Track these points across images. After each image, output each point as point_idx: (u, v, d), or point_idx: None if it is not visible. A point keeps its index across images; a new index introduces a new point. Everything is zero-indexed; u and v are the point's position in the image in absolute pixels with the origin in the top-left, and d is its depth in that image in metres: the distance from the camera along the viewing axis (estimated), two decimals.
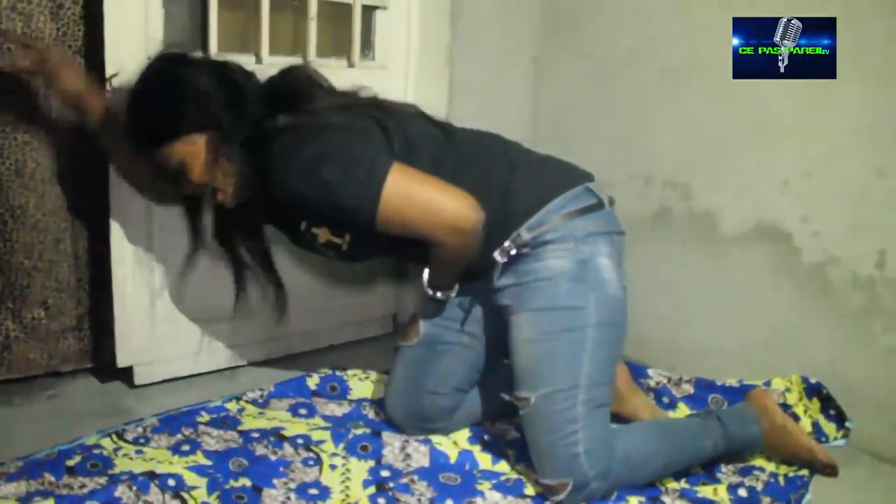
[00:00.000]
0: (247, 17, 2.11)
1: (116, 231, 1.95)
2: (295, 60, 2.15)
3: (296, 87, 1.63)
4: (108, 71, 1.83)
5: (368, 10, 2.35)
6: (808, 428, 1.91)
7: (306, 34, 2.18)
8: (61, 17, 1.87)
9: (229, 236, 1.80)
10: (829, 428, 1.93)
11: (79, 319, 2.07)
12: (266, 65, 2.10)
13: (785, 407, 1.92)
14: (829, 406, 1.94)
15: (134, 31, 1.88)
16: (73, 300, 2.05)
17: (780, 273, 2.06)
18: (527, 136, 2.59)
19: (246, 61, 2.07)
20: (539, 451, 1.60)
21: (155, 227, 2.01)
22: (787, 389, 1.96)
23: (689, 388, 2.05)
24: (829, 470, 1.74)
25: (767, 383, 1.99)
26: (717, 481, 1.73)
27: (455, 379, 1.82)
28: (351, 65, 2.31)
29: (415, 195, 1.50)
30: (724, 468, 1.77)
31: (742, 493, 1.67)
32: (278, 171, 1.51)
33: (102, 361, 2.10)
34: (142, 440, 1.73)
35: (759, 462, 1.80)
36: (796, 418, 1.91)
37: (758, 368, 2.08)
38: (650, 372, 2.11)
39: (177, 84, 1.55)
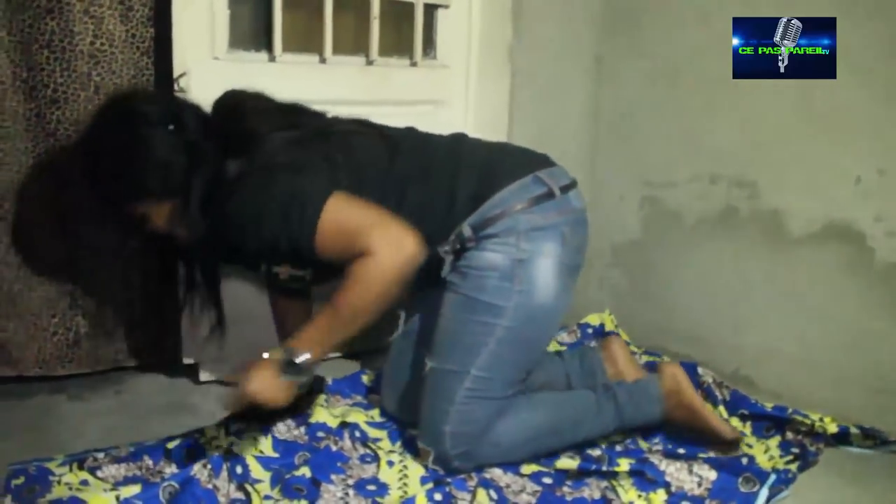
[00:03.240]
0: (310, 17, 2.14)
1: None
2: (357, 60, 2.19)
3: (244, 128, 1.59)
4: (176, 71, 1.87)
5: (430, 9, 2.36)
6: (834, 430, 1.83)
7: (369, 33, 2.20)
8: (131, 20, 1.91)
9: (189, 262, 1.77)
10: (856, 435, 1.84)
11: (145, 316, 2.11)
12: (329, 64, 2.13)
13: (811, 434, 1.85)
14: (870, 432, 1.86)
15: (201, 32, 1.92)
16: (140, 297, 2.09)
17: (851, 274, 2.00)
18: (588, 135, 2.57)
19: (309, 60, 2.11)
20: (420, 415, 1.69)
21: None
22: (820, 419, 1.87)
23: (726, 395, 2.02)
24: (733, 445, 1.78)
25: (803, 414, 1.90)
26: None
27: None
28: (413, 63, 2.32)
29: (348, 228, 1.49)
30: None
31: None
32: (229, 227, 1.54)
33: (168, 358, 2.14)
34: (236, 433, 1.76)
35: (753, 451, 1.80)
36: (819, 438, 1.83)
37: (825, 371, 2.03)
38: (700, 370, 2.07)
39: (136, 151, 1.52)
